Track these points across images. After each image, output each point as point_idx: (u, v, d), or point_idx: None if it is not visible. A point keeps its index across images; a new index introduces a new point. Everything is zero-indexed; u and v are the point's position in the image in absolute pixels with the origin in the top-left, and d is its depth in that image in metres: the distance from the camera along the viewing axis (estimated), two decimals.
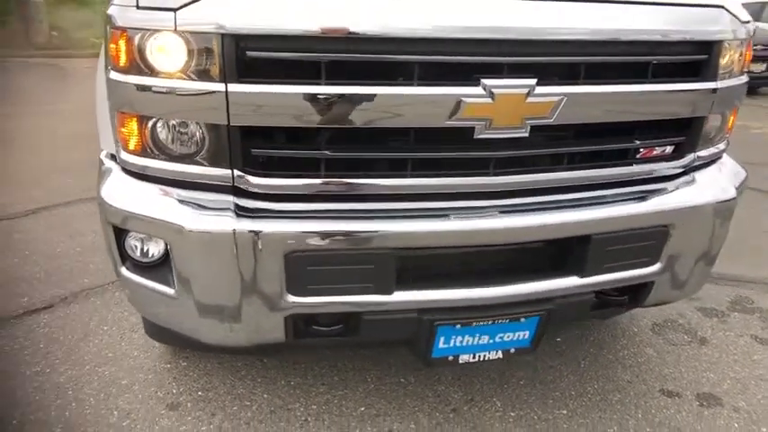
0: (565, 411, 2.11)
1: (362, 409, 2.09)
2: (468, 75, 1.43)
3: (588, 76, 1.52)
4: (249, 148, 1.45)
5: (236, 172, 1.46)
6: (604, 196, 1.69)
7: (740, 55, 1.77)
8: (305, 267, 1.49)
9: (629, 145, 1.66)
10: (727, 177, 1.87)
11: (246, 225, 1.44)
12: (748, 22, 1.77)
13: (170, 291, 1.55)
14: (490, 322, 1.64)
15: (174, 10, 1.35)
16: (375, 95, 1.40)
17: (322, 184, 1.49)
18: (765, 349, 2.53)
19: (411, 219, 1.52)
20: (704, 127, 1.77)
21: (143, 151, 1.51)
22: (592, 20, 1.49)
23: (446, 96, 1.41)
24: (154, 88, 1.41)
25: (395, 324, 1.62)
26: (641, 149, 1.71)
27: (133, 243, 1.60)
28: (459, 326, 1.63)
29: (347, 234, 1.47)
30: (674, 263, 1.78)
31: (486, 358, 1.73)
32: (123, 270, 1.63)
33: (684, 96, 1.65)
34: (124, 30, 1.41)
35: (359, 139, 1.49)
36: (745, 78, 1.84)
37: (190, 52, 1.37)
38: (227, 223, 1.44)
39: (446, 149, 1.52)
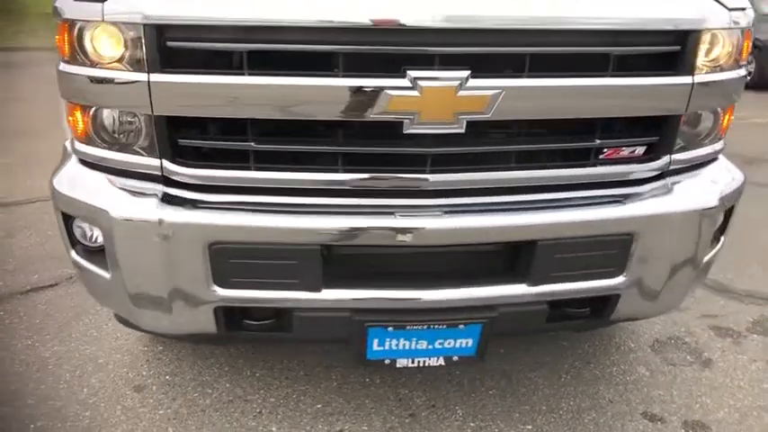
0: (530, 427, 1.98)
1: (319, 406, 2.06)
2: (396, 66, 1.36)
3: (534, 68, 1.41)
4: (176, 138, 1.45)
5: (164, 161, 1.47)
6: (559, 199, 1.56)
7: (732, 46, 1.58)
8: (228, 260, 1.47)
9: (585, 144, 1.53)
10: (712, 183, 1.69)
11: (169, 214, 1.44)
12: (742, 9, 1.58)
13: (106, 275, 1.58)
14: (425, 327, 1.57)
15: (102, 1, 1.37)
16: (297, 86, 1.36)
17: (247, 176, 1.47)
18: None
19: (339, 215, 1.47)
20: (684, 126, 1.60)
21: (88, 140, 1.55)
22: (536, 7, 1.38)
23: (370, 88, 1.35)
24: (88, 78, 1.44)
25: (327, 323, 1.58)
26: (605, 149, 1.57)
27: (79, 229, 1.65)
28: (391, 328, 1.56)
29: (269, 228, 1.44)
30: (643, 275, 1.63)
31: (427, 364, 1.65)
32: (73, 254, 1.68)
33: (652, 92, 1.50)
34: (65, 21, 1.44)
35: (285, 132, 1.46)
36: (739, 72, 1.65)
37: (117, 42, 1.38)
38: (150, 212, 1.44)
39: (375, 144, 1.45)
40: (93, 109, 1.50)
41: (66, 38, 1.45)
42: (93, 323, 2.51)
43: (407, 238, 1.47)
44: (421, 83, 1.34)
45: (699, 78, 1.52)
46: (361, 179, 1.49)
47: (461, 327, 1.58)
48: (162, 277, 1.50)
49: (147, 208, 1.45)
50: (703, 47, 1.51)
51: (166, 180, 1.50)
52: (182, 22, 1.34)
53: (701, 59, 1.52)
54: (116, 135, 1.51)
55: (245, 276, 1.50)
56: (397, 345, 1.61)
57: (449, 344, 1.62)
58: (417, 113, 1.38)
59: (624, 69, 1.47)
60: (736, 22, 1.56)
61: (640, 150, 1.60)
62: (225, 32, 1.36)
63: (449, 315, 1.56)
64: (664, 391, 2.18)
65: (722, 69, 1.59)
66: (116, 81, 1.41)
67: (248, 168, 1.47)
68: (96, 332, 2.45)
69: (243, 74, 1.36)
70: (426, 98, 1.36)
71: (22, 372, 2.20)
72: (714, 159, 1.80)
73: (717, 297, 2.83)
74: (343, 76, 1.36)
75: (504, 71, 1.43)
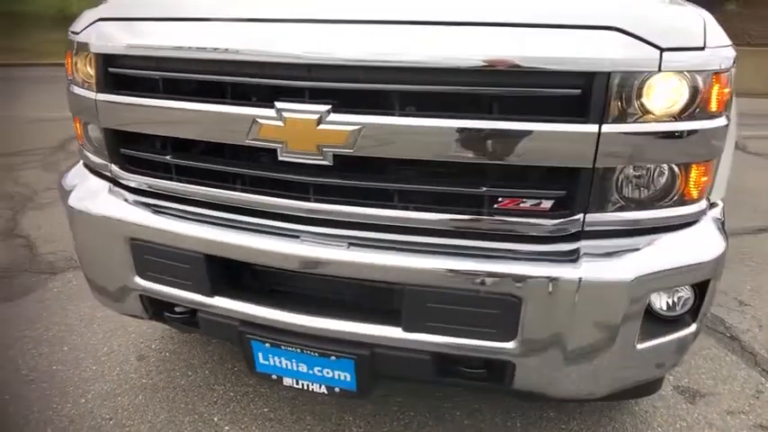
0: None
1: (265, 410, 2.18)
2: (271, 96, 1.44)
3: (411, 106, 1.38)
4: (117, 147, 1.72)
5: (112, 166, 1.76)
6: (438, 245, 1.46)
7: (679, 93, 1.32)
8: (143, 255, 1.70)
9: (468, 190, 1.41)
10: (649, 252, 1.40)
11: (104, 209, 1.72)
12: (696, 48, 1.32)
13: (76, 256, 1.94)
14: (299, 351, 1.59)
15: (76, 33, 1.71)
16: (184, 110, 1.53)
17: (162, 184, 1.68)
18: None
19: (224, 228, 1.59)
20: (606, 182, 1.38)
21: (81, 144, 1.92)
22: (406, 45, 1.34)
23: (243, 116, 1.46)
24: (76, 95, 1.79)
25: (223, 327, 1.70)
26: (500, 198, 1.43)
27: None
28: (268, 345, 1.62)
29: (165, 231, 1.63)
30: (540, 347, 1.43)
31: (311, 389, 1.67)
32: None
33: (545, 140, 1.32)
34: (70, 50, 1.82)
35: (190, 149, 1.63)
36: (703, 124, 1.36)
37: (87, 66, 1.71)
38: (91, 206, 1.74)
39: (256, 167, 1.55)
40: (83, 122, 1.86)
41: (69, 61, 1.83)
42: None
43: (270, 260, 1.54)
44: (285, 114, 1.41)
45: (613, 128, 1.30)
46: (244, 198, 1.59)
47: (333, 358, 1.57)
48: (100, 263, 1.80)
49: (91, 203, 1.75)
50: (619, 92, 1.29)
51: (113, 181, 1.79)
52: (109, 51, 1.61)
53: (617, 107, 1.30)
54: (93, 143, 1.84)
55: (155, 272, 1.70)
56: (279, 362, 1.66)
57: (327, 373, 1.62)
58: (285, 143, 1.44)
59: (521, 112, 1.34)
60: (679, 65, 1.30)
61: (546, 205, 1.42)
62: (139, 61, 1.59)
63: (322, 344, 1.57)
64: None
65: (667, 119, 1.34)
66: (83, 98, 1.73)
67: (160, 177, 1.68)
68: None
69: (151, 97, 1.58)
70: (290, 129, 1.42)
71: (73, 325, 2.72)
72: (686, 224, 1.49)
73: None
74: (225, 104, 1.49)
75: (387, 108, 1.40)
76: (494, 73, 1.31)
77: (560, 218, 1.40)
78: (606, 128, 1.30)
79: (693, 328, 1.53)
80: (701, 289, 1.51)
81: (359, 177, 1.46)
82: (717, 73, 1.36)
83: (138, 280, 1.74)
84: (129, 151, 1.71)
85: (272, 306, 1.60)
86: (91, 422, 2.10)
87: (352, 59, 1.36)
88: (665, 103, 1.33)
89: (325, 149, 1.41)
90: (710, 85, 1.35)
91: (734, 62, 1.41)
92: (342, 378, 1.61)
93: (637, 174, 1.41)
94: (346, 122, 1.38)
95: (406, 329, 1.49)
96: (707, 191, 1.51)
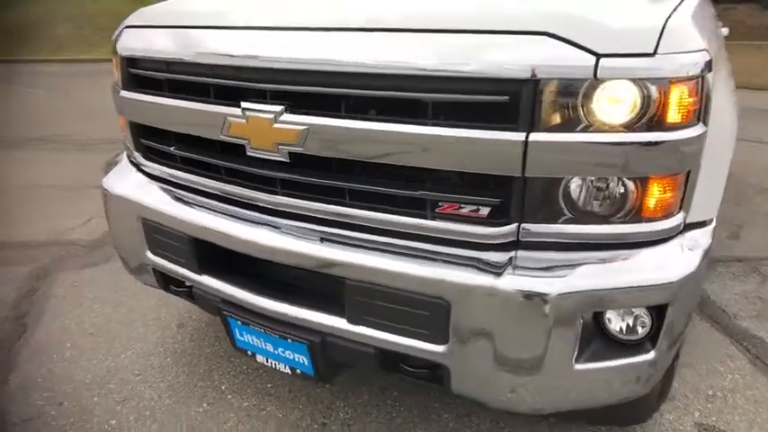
0: None
1: (269, 385, 2.36)
2: (241, 97, 1.59)
3: (347, 109, 1.45)
4: (139, 137, 1.99)
5: (136, 154, 2.03)
6: (381, 243, 1.51)
7: (624, 102, 1.25)
8: (151, 233, 1.94)
9: (406, 193, 1.44)
10: (588, 267, 1.34)
11: (123, 191, 1.99)
12: (646, 54, 1.24)
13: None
14: (262, 330, 1.73)
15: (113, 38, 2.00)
16: (176, 107, 1.74)
17: (167, 171, 1.91)
18: None
19: (207, 214, 1.77)
20: (549, 193, 1.34)
21: (124, 136, 2.22)
22: (331, 51, 1.43)
23: (218, 114, 1.62)
24: (114, 91, 2.09)
25: (210, 303, 1.89)
26: (440, 203, 1.44)
27: None
28: (240, 323, 1.78)
29: (159, 212, 1.85)
30: (472, 354, 1.43)
31: (278, 368, 1.80)
32: None
33: (472, 147, 1.32)
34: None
35: (188, 141, 1.83)
36: (668, 136, 1.27)
37: (116, 66, 1.99)
38: (119, 188, 2.02)
39: (231, 160, 1.70)
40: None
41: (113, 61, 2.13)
42: None
43: (233, 244, 1.70)
44: (248, 113, 1.55)
45: (542, 137, 1.27)
46: (226, 189, 1.75)
47: (290, 341, 1.69)
48: (124, 237, 2.08)
49: (120, 185, 2.03)
50: (553, 101, 1.25)
51: (138, 167, 2.06)
52: (127, 55, 1.87)
53: (550, 115, 1.26)
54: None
55: (160, 248, 1.94)
56: (252, 340, 1.82)
57: (288, 355, 1.74)
58: (249, 139, 1.58)
59: (459, 118, 1.35)
60: (621, 72, 1.23)
61: (484, 212, 1.41)
62: (144, 63, 1.84)
63: (280, 326, 1.69)
64: None
65: (614, 129, 1.27)
66: (120, 97, 2.02)
67: (170, 166, 1.91)
68: None
69: (153, 95, 1.81)
70: (252, 127, 1.56)
71: (137, 292, 3.08)
72: (651, 243, 1.39)
73: None
74: (205, 103, 1.67)
75: (331, 110, 1.48)
76: (422, 79, 1.33)
77: (497, 226, 1.39)
78: (535, 137, 1.27)
79: (651, 356, 1.43)
80: (658, 314, 1.40)
81: (313, 174, 1.56)
82: (675, 81, 1.26)
83: (150, 255, 1.99)
84: (146, 141, 1.97)
85: (243, 287, 1.76)
86: (122, 375, 2.42)
87: (297, 64, 1.47)
88: (610, 113, 1.26)
89: (280, 147, 1.53)
90: (667, 95, 1.26)
91: (705, 68, 1.29)
92: (300, 360, 1.73)
93: (586, 186, 1.36)
94: (296, 123, 1.48)
95: (350, 322, 1.57)
96: (675, 208, 1.39)
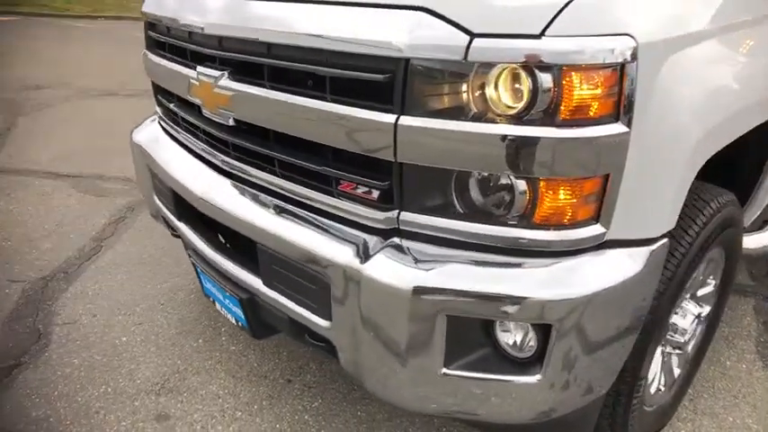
0: None
1: (265, 369, 2.50)
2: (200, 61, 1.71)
3: (261, 77, 1.48)
4: (157, 95, 2.22)
5: (156, 107, 2.27)
6: (293, 213, 1.54)
7: (530, 90, 1.11)
8: (154, 181, 2.18)
9: (309, 166, 1.44)
10: (467, 271, 1.23)
11: (138, 138, 2.26)
12: (533, 36, 1.10)
13: None
14: (212, 280, 1.87)
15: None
16: (163, 66, 1.95)
17: (167, 126, 2.12)
18: None
19: (179, 167, 1.94)
20: (432, 182, 1.26)
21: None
22: (240, 18, 1.49)
23: (184, 75, 1.77)
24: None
25: (188, 249, 2.08)
26: (341, 181, 1.42)
27: None
28: (199, 269, 1.94)
29: (158, 165, 2.06)
30: (346, 335, 1.42)
31: (227, 317, 1.94)
32: None
33: (348, 125, 1.28)
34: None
35: (178, 101, 2.00)
36: (564, 132, 1.12)
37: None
38: (137, 137, 2.29)
39: (197, 119, 1.82)
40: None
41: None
42: None
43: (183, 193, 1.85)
44: (200, 77, 1.66)
45: (413, 122, 1.18)
46: (195, 144, 1.90)
47: (227, 293, 1.81)
48: (142, 185, 2.36)
49: (138, 134, 2.30)
50: (424, 82, 1.16)
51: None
52: (149, 18, 2.08)
53: (423, 98, 1.18)
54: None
55: (159, 195, 2.18)
56: (210, 289, 1.97)
57: (230, 306, 1.86)
58: (202, 100, 1.70)
59: (352, 95, 1.31)
60: (497, 54, 1.09)
61: (375, 195, 1.36)
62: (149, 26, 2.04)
63: (223, 280, 1.81)
64: None
65: (495, 119, 1.15)
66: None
67: (172, 121, 2.11)
68: None
69: (155, 55, 2.02)
70: (202, 89, 1.67)
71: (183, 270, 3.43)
72: (549, 254, 1.24)
73: None
74: (178, 63, 1.83)
75: (253, 78, 1.52)
76: (306, 50, 1.32)
77: (382, 210, 1.34)
78: (405, 120, 1.19)
79: (534, 379, 1.28)
80: (543, 335, 1.25)
81: (247, 140, 1.62)
82: (573, 69, 1.08)
83: (156, 200, 2.24)
84: (158, 96, 2.20)
85: (201, 238, 1.91)
86: (151, 302, 2.77)
87: (226, 31, 1.55)
88: (489, 102, 1.14)
89: (221, 110, 1.62)
90: (560, 86, 1.09)
91: (627, 57, 1.09)
92: (237, 313, 1.84)
93: (478, 182, 1.24)
94: (228, 88, 1.56)
95: (265, 284, 1.63)
96: (582, 218, 1.21)
